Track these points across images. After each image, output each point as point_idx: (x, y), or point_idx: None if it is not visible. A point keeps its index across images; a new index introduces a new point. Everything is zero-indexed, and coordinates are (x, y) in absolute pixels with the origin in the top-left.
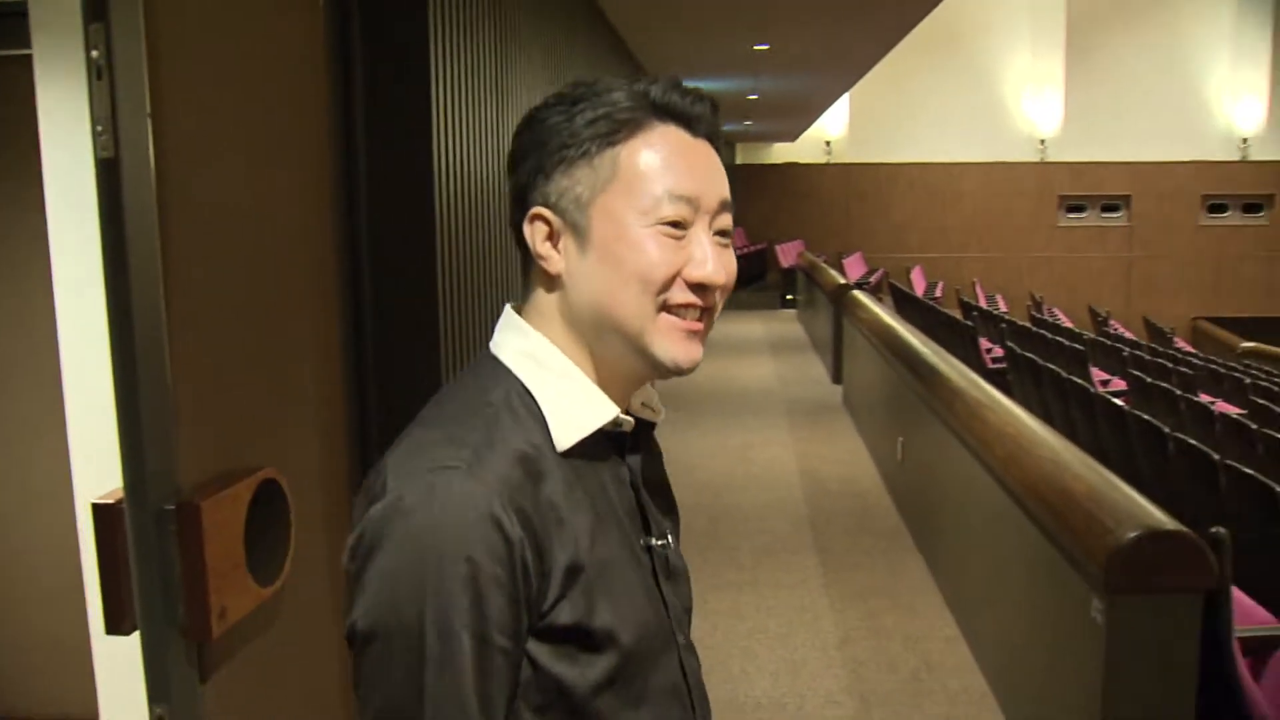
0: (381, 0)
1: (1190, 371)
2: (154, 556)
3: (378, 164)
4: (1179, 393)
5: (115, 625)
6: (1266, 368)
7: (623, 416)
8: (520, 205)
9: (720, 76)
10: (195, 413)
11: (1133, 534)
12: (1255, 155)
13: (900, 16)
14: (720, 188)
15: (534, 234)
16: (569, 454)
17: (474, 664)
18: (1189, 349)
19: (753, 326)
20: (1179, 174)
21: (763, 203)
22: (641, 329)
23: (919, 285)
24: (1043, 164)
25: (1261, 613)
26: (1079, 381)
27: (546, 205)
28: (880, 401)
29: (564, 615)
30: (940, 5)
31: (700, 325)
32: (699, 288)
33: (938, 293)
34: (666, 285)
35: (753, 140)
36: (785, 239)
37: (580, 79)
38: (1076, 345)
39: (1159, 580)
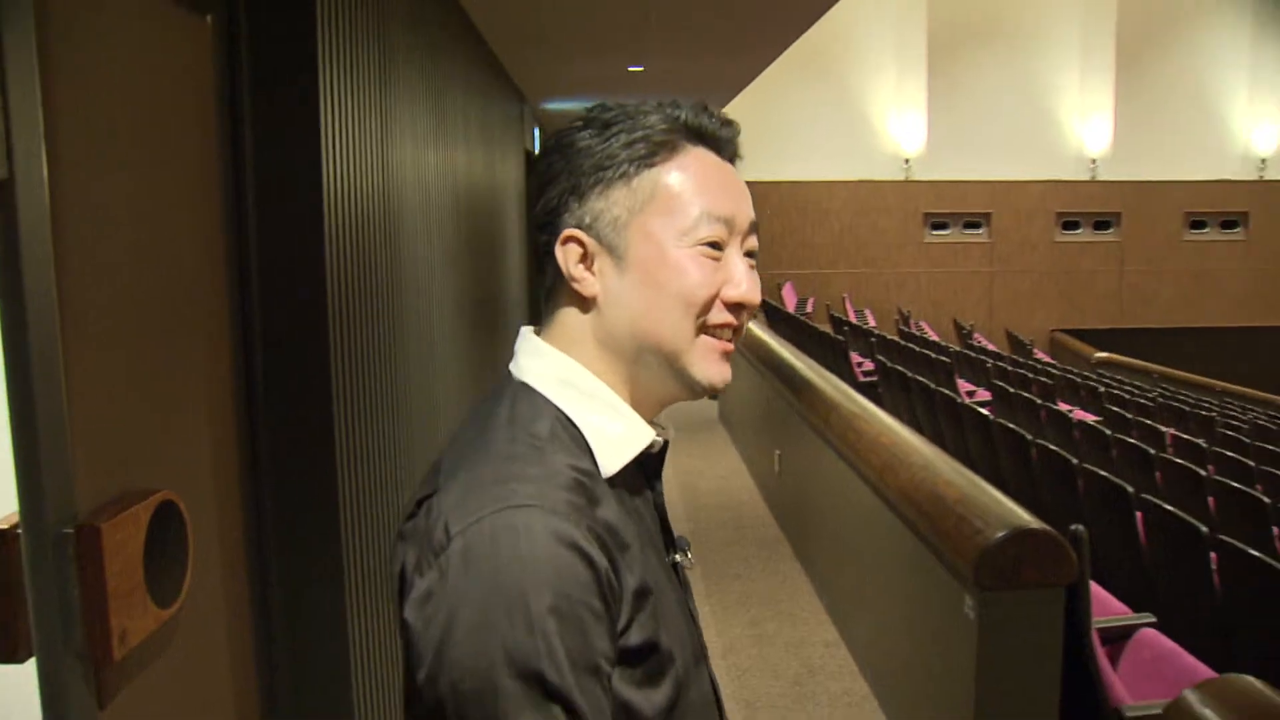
0: (269, 23)
1: (1049, 381)
2: (52, 581)
3: (266, 182)
4: (1039, 401)
5: (9, 654)
6: (1119, 376)
7: (656, 439)
8: (548, 228)
9: (595, 97)
10: (91, 434)
11: (1000, 534)
12: (1104, 175)
13: (772, 39)
14: (749, 209)
15: (567, 256)
16: (612, 480)
17: (587, 700)
18: (1048, 359)
19: None
20: (1034, 192)
21: None
22: (680, 350)
23: (790, 301)
24: (907, 182)
25: (1116, 604)
26: (946, 392)
27: (580, 227)
28: (757, 416)
29: (635, 637)
30: (810, 28)
31: (732, 346)
32: (735, 308)
33: (809, 308)
34: (707, 307)
35: None
36: None
37: (602, 103)
38: (943, 358)
39: (1025, 576)
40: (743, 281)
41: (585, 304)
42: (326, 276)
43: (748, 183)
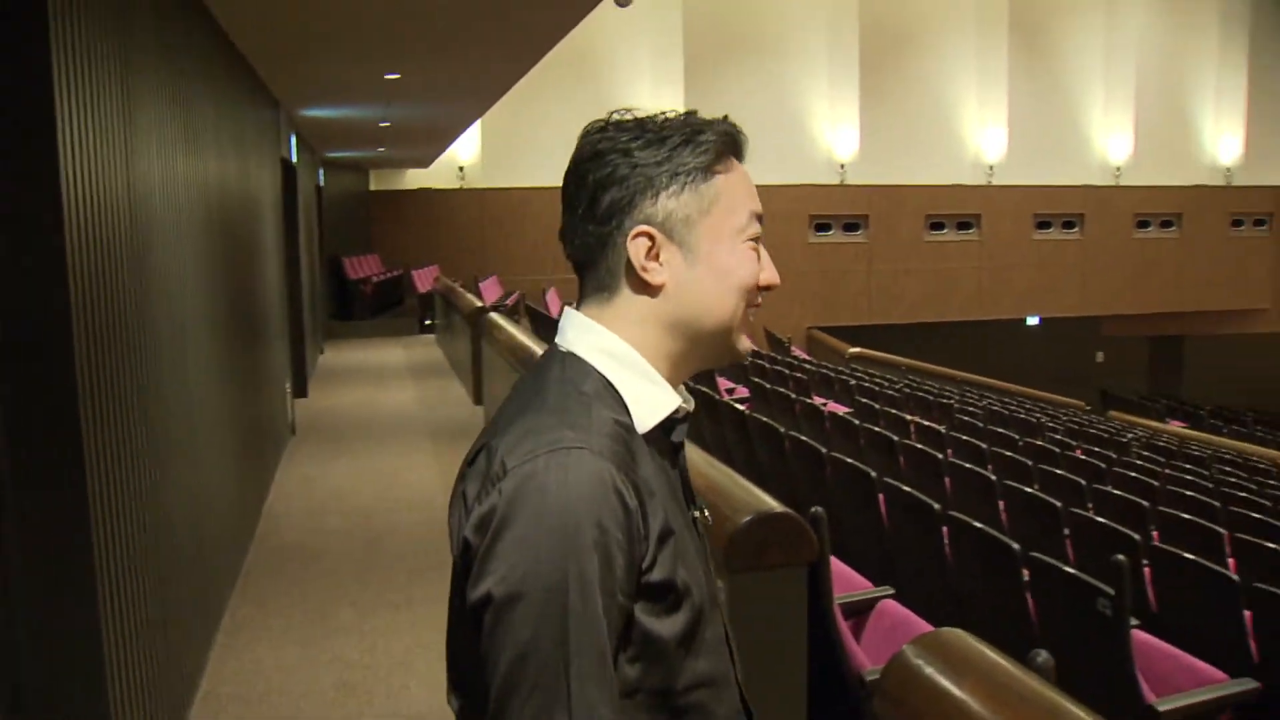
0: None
1: (805, 376)
2: None
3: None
4: (795, 396)
5: None
6: (871, 370)
7: (683, 405)
8: (608, 223)
9: (351, 104)
10: None
11: (746, 518)
12: (852, 179)
13: (526, 49)
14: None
15: (638, 250)
16: (646, 436)
17: (605, 617)
18: (805, 356)
19: (393, 353)
20: (789, 196)
21: (398, 229)
22: (734, 327)
23: (554, 306)
24: None
25: (859, 579)
26: (706, 390)
27: (651, 224)
28: None
29: (656, 574)
30: (568, 37)
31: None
32: (764, 289)
33: None
34: (754, 291)
35: (386, 167)
36: (421, 264)
37: (630, 112)
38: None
39: (770, 557)
40: (770, 268)
41: (652, 291)
42: (70, 287)
43: (505, 189)
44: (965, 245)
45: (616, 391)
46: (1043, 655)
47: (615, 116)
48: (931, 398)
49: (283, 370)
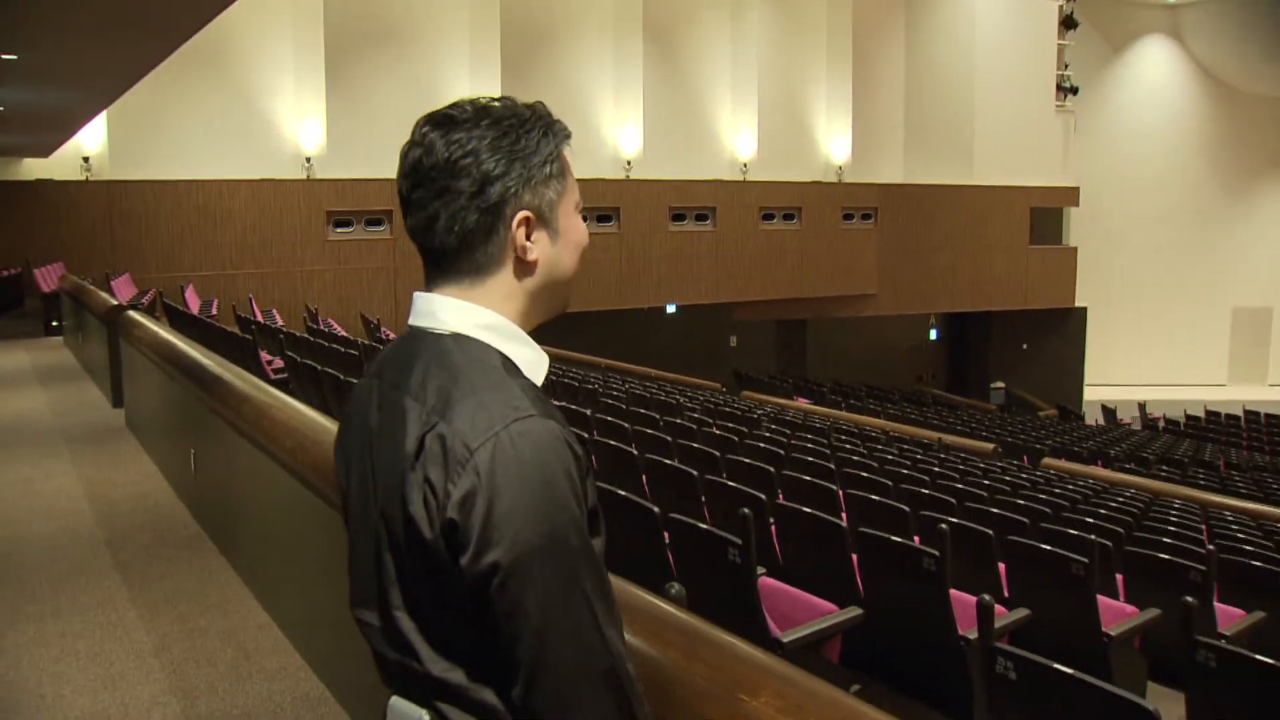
0: None
1: None
2: None
3: None
4: None
5: None
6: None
7: None
8: (493, 211)
9: None
10: None
11: None
12: None
13: (162, 37)
14: None
15: (519, 233)
16: None
17: (595, 548)
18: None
19: (17, 357)
20: None
21: (13, 224)
22: (572, 282)
23: (194, 303)
24: (310, 181)
25: None
26: (354, 381)
27: (530, 209)
28: (169, 420)
29: (590, 502)
30: (209, 25)
31: None
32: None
33: (214, 310)
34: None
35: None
36: (43, 262)
37: (489, 104)
38: (351, 351)
39: None
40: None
41: (529, 268)
42: None
43: (136, 182)
44: (606, 237)
45: (509, 360)
46: (676, 587)
47: (447, 111)
48: (577, 384)
49: None
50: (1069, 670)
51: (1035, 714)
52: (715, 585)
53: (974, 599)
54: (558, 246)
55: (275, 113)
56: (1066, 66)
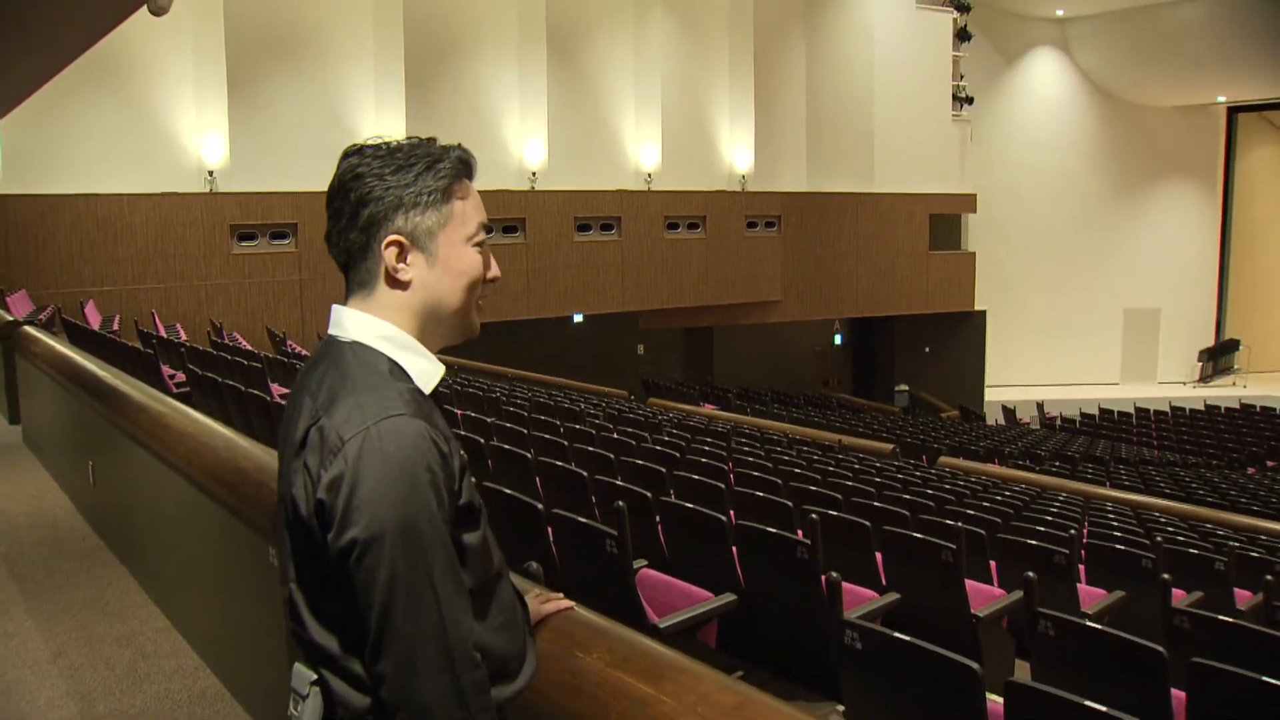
0: None
1: None
2: None
3: None
4: None
5: None
6: None
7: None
8: (367, 232)
9: None
10: None
11: None
12: None
13: (53, 54)
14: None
15: (390, 255)
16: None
17: (449, 537)
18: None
19: None
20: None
21: None
22: (467, 311)
23: (94, 319)
24: (213, 195)
25: None
26: (257, 393)
27: (401, 234)
28: (66, 433)
29: (464, 499)
30: (108, 39)
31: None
32: (490, 282)
33: (115, 325)
34: (480, 282)
35: None
36: None
37: (385, 144)
38: (255, 364)
39: None
40: (494, 266)
41: (402, 286)
42: None
43: (31, 196)
44: (513, 248)
45: (402, 368)
46: (534, 565)
47: (369, 142)
48: (482, 394)
49: None
50: (904, 637)
51: (881, 679)
52: (595, 576)
53: (850, 587)
54: (436, 272)
55: (177, 126)
56: (962, 77)
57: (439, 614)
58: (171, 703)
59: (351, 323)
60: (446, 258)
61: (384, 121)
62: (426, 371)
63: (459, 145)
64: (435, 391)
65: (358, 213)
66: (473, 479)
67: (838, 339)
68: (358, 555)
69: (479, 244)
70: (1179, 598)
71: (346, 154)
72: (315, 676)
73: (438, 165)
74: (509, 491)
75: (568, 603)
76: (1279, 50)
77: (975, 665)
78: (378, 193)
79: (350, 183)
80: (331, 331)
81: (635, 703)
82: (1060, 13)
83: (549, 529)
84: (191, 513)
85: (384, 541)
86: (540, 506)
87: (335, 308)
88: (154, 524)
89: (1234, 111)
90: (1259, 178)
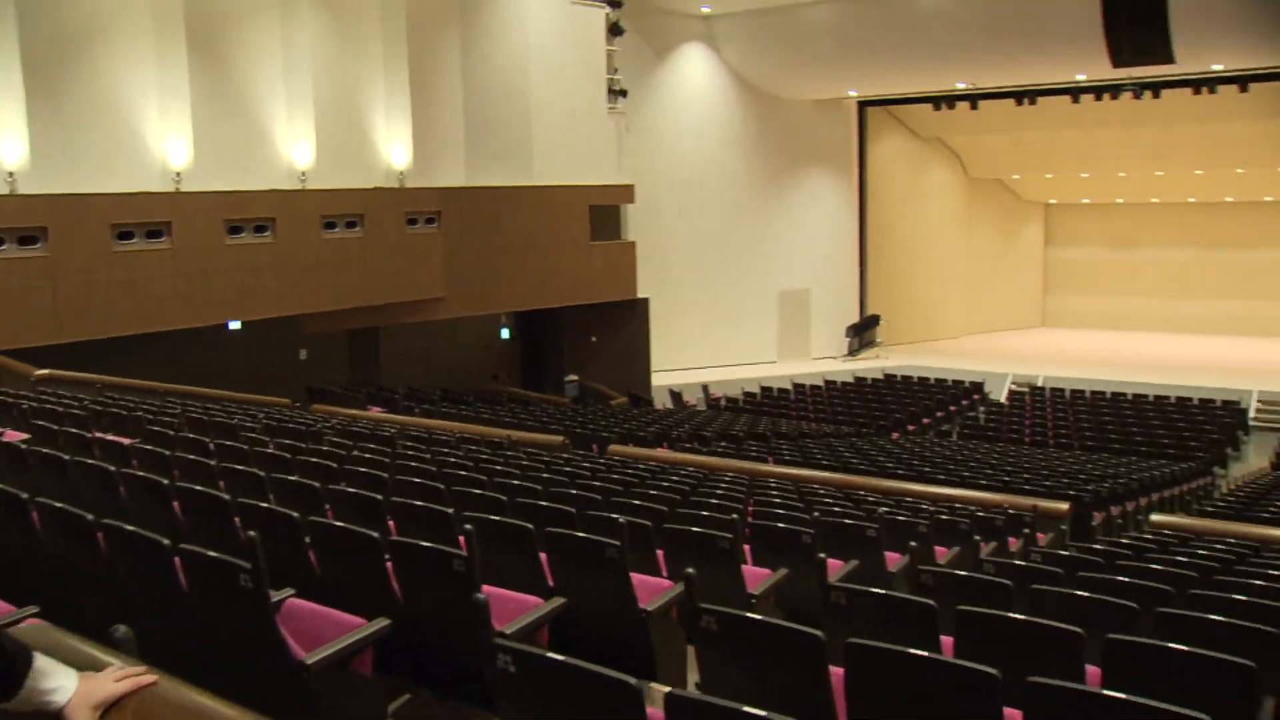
0: None
1: None
2: None
3: None
4: None
5: None
6: (62, 391)
7: None
8: None
9: None
10: None
11: None
12: (25, 189)
13: None
14: None
15: None
16: None
17: None
18: None
19: None
20: None
21: None
22: None
23: None
24: None
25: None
26: None
27: None
28: None
29: None
30: None
31: None
32: None
33: None
34: None
35: None
36: None
37: None
38: None
39: None
40: None
41: None
42: None
43: None
44: (158, 254)
45: None
46: (121, 629)
47: None
48: (127, 412)
49: None
50: (558, 657)
51: (539, 701)
52: (225, 612)
53: (511, 595)
54: None
55: None
56: (616, 70)
57: None
58: None
59: None
60: None
61: (2, 118)
62: None
63: None
64: None
65: None
66: None
67: (505, 333)
68: None
69: None
70: (836, 568)
71: None
72: None
73: None
74: (130, 528)
75: (149, 678)
76: (899, 50)
77: (633, 681)
78: None
79: None
80: None
81: None
82: (706, 9)
83: (179, 566)
84: None
85: None
86: (166, 542)
87: None
88: None
89: (864, 105)
90: (888, 166)
